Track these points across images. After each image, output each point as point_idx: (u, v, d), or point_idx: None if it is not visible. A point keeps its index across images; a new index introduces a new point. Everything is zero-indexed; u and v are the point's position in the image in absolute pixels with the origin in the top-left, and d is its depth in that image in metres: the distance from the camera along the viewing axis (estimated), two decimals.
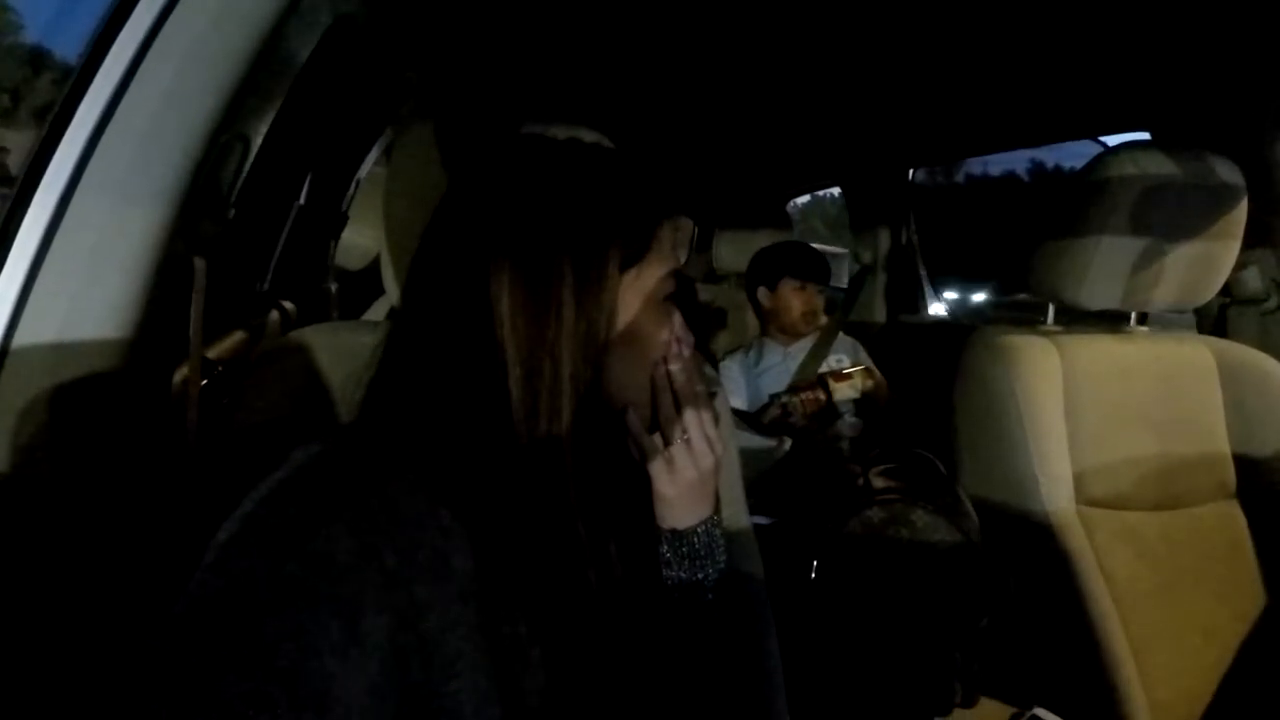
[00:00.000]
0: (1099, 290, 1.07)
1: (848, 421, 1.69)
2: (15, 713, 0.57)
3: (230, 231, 0.78)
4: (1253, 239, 1.14)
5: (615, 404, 0.53)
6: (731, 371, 1.86)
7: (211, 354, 1.03)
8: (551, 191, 0.51)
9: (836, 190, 2.68)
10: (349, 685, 0.37)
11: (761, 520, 1.18)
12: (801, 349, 1.85)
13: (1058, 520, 0.99)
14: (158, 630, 0.37)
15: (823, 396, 1.64)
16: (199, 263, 0.70)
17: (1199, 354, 1.15)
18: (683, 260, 3.65)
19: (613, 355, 0.51)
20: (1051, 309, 1.17)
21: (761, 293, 1.89)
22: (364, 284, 1.62)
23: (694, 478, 0.56)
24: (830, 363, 1.82)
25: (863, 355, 1.88)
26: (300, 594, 0.37)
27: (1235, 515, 1.10)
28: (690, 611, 0.58)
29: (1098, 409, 1.06)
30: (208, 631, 0.36)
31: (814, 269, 1.83)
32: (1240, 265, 1.24)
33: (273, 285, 1.43)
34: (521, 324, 0.47)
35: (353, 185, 1.62)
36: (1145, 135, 1.45)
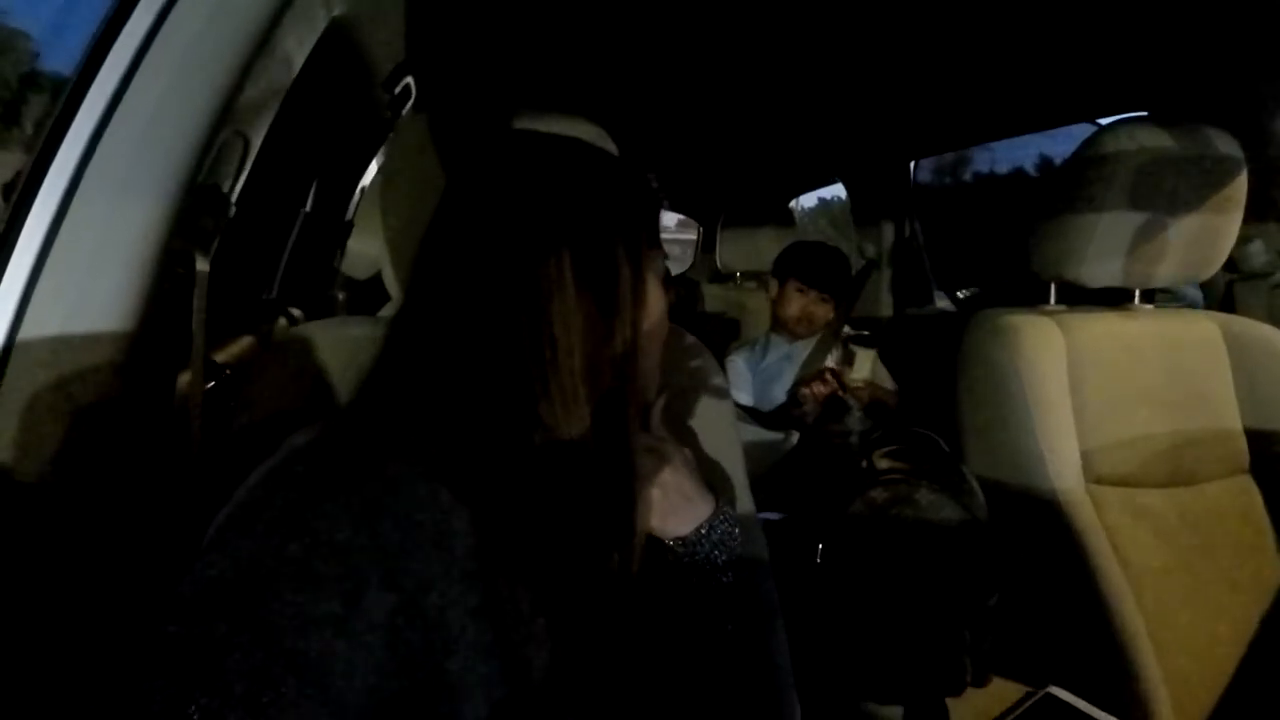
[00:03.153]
0: (1100, 268, 1.07)
1: (856, 416, 1.69)
2: (19, 709, 0.58)
3: (232, 230, 0.79)
4: (1257, 213, 1.13)
5: (632, 385, 0.54)
6: (737, 366, 1.86)
7: (219, 358, 1.05)
8: (586, 182, 0.52)
9: (843, 193, 2.69)
10: (352, 663, 0.37)
11: (772, 516, 1.18)
12: (807, 345, 1.85)
13: (1066, 498, 0.99)
14: (160, 613, 0.37)
15: (833, 380, 1.65)
16: (200, 259, 0.71)
17: (1206, 329, 1.14)
18: (689, 263, 3.67)
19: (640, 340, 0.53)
20: (1054, 288, 1.16)
21: (772, 286, 1.91)
22: (371, 293, 1.64)
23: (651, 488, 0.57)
24: (836, 357, 1.83)
25: (871, 354, 1.87)
26: (301, 574, 0.38)
27: (1249, 490, 1.09)
28: (706, 595, 0.59)
29: (1104, 386, 1.05)
30: (210, 613, 0.37)
31: (820, 276, 1.83)
32: (1245, 239, 1.23)
33: (280, 292, 1.45)
34: (575, 308, 0.49)
35: (357, 193, 1.64)
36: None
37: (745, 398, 1.79)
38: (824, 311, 1.83)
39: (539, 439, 0.48)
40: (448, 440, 0.46)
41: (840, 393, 1.64)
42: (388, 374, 0.52)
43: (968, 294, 2.22)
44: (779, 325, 1.90)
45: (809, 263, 1.85)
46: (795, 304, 1.82)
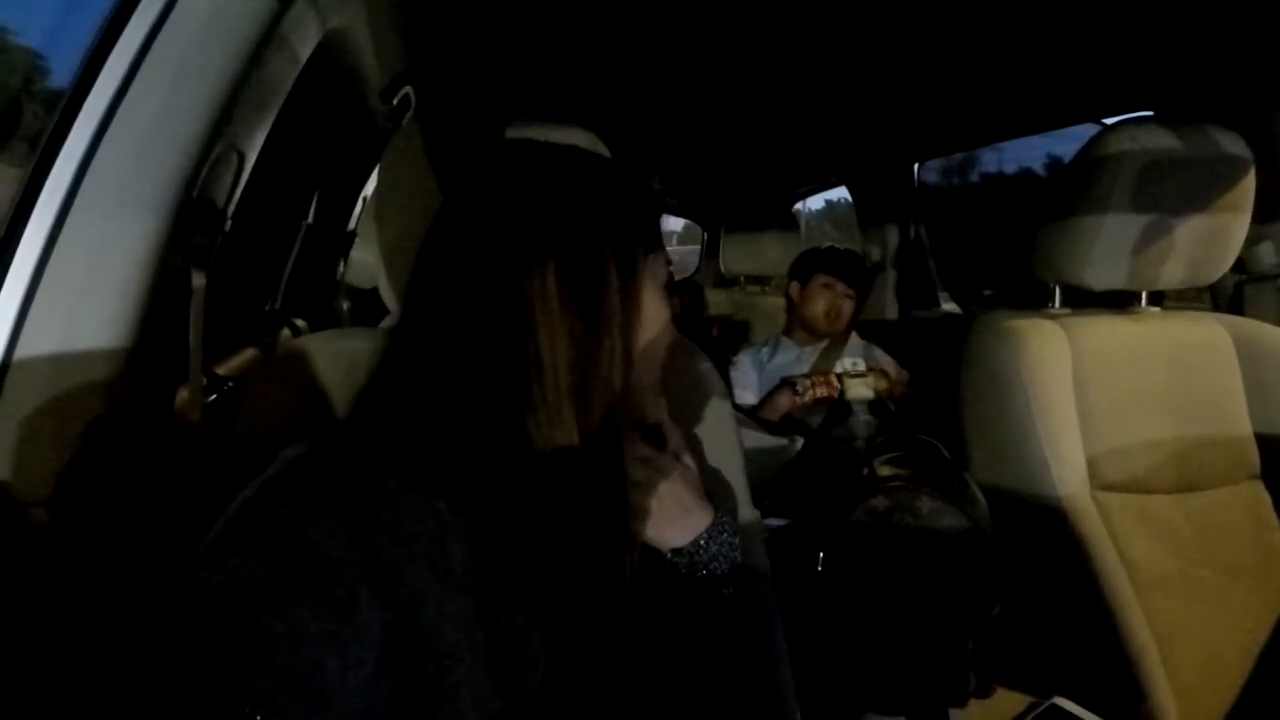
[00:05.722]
0: (1104, 270, 1.05)
1: (861, 420, 1.68)
2: (15, 716, 0.58)
3: (234, 243, 0.80)
4: (1266, 213, 1.12)
5: (624, 397, 0.53)
6: (743, 365, 1.86)
7: (222, 371, 1.05)
8: (571, 190, 0.52)
9: (847, 196, 2.68)
10: (345, 679, 0.37)
11: (777, 522, 1.17)
12: (816, 350, 1.85)
13: (1071, 505, 0.97)
14: (153, 631, 0.37)
15: (835, 384, 1.64)
16: (196, 273, 0.71)
17: (1214, 333, 1.12)
18: (693, 268, 3.66)
19: (632, 351, 0.52)
20: (1058, 291, 1.15)
21: (793, 288, 1.93)
22: (375, 302, 1.64)
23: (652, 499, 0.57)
24: (845, 364, 1.82)
25: (878, 354, 1.87)
26: (294, 589, 0.38)
27: (1260, 496, 1.07)
28: (706, 607, 0.58)
29: (1109, 391, 1.04)
30: (203, 629, 0.37)
31: (847, 268, 1.86)
32: (1255, 240, 1.22)
33: (284, 304, 1.45)
34: (560, 322, 0.48)
35: (359, 203, 1.64)
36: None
37: (749, 397, 1.78)
38: (849, 307, 1.84)
39: (531, 453, 0.48)
40: (442, 454, 0.46)
41: (837, 396, 1.64)
42: (383, 387, 0.51)
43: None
44: (797, 327, 1.90)
45: (834, 257, 1.89)
46: (823, 299, 1.83)
